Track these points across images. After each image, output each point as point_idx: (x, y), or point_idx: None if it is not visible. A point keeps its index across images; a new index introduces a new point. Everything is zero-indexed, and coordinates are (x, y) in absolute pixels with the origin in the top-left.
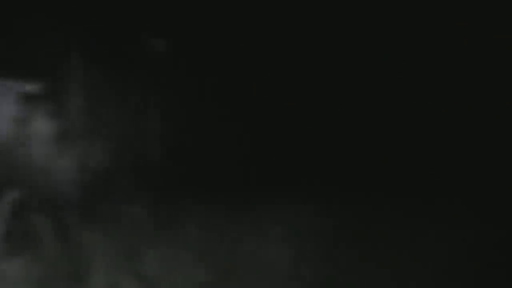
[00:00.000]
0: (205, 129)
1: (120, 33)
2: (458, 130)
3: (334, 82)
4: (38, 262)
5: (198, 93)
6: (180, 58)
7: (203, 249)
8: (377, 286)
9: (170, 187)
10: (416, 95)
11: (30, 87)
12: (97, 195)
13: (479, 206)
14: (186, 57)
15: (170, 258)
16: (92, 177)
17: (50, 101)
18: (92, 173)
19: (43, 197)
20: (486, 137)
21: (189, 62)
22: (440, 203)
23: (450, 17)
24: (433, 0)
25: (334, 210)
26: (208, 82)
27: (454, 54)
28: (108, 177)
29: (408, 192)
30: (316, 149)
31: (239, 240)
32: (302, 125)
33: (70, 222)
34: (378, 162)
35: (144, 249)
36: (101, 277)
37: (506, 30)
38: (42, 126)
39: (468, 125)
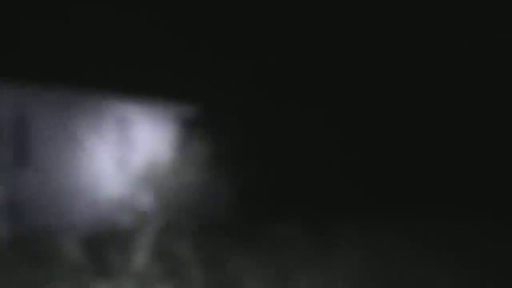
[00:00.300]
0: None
1: (276, 53)
2: None
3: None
4: (189, 285)
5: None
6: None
7: (357, 270)
8: None
9: (322, 208)
10: None
11: (187, 111)
12: (250, 217)
13: None
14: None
15: (324, 281)
16: (246, 200)
17: (206, 125)
18: (245, 195)
19: (196, 220)
20: None
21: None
22: None
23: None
24: None
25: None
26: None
27: None
28: (261, 199)
29: None
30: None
31: (401, 260)
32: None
33: (222, 245)
34: None
35: (297, 271)
36: None
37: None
38: (197, 150)
39: None
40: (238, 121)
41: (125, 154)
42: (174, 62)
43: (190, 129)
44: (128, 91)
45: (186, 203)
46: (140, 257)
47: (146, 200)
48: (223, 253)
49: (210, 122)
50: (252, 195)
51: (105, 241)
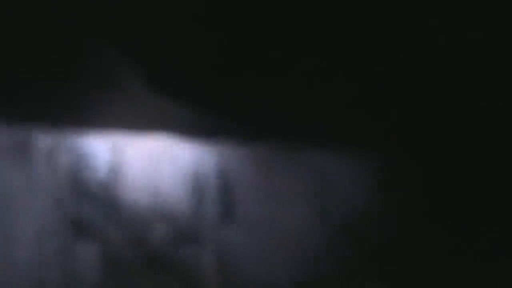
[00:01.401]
0: None
1: None
2: None
3: None
4: None
5: None
6: None
7: None
8: None
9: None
10: None
11: (388, 159)
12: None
13: None
14: None
15: None
16: (449, 251)
17: (408, 173)
18: (448, 247)
19: (397, 274)
20: None
21: None
22: None
23: None
24: None
25: None
26: None
27: None
28: (456, 252)
29: None
30: None
31: None
32: None
33: None
34: None
35: None
36: None
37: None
38: (400, 199)
39: None
40: (441, 171)
41: (325, 205)
42: (369, 108)
43: (392, 177)
44: (324, 140)
45: (388, 255)
46: None
47: (346, 252)
48: None
49: (413, 169)
50: (453, 247)
51: None
